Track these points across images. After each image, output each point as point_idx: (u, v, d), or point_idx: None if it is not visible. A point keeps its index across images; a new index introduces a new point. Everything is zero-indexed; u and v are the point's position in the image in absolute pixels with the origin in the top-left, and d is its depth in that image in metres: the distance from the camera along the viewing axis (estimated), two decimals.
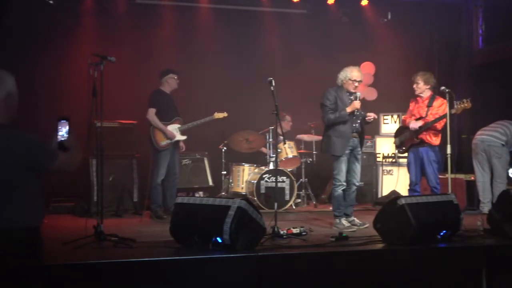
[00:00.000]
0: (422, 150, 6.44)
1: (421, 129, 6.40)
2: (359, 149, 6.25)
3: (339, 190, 6.12)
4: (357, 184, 6.26)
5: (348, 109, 6.04)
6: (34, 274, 2.78)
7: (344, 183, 6.12)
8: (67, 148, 2.89)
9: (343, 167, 6.09)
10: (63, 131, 2.90)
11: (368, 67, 8.83)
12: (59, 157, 2.83)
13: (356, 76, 6.13)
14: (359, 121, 6.20)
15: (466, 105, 6.20)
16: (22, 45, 7.88)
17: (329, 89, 6.25)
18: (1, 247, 2.66)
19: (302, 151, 8.69)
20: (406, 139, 6.64)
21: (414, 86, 6.51)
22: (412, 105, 6.69)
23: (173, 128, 6.99)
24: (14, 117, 2.87)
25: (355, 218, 6.21)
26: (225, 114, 7.41)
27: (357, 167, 6.23)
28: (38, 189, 2.82)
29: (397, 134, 6.89)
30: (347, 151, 6.11)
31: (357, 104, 6.04)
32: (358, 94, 6.15)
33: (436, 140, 6.46)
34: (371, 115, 6.20)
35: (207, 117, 7.30)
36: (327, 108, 6.12)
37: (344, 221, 6.10)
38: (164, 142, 6.92)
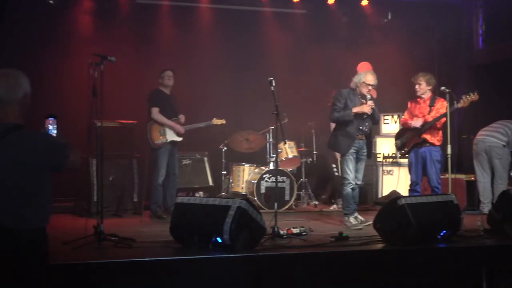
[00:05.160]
0: (425, 150, 6.46)
1: (424, 127, 6.42)
2: (364, 150, 6.40)
3: (348, 189, 6.26)
4: (359, 183, 6.42)
5: (354, 109, 6.19)
6: (42, 274, 2.81)
7: (353, 182, 6.27)
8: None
9: (351, 166, 6.26)
10: (52, 129, 2.93)
11: (366, 67, 8.81)
12: (70, 156, 2.88)
13: (369, 80, 6.28)
14: (367, 123, 6.35)
15: (473, 97, 6.24)
16: (22, 45, 7.88)
17: (341, 90, 6.45)
18: (14, 248, 2.68)
19: (302, 149, 8.69)
20: (408, 140, 6.64)
21: (416, 87, 6.52)
22: (411, 106, 6.70)
23: (170, 129, 6.99)
24: (26, 116, 2.91)
25: (358, 215, 6.32)
26: (223, 121, 7.49)
27: (360, 167, 6.41)
28: (50, 189, 2.85)
29: (398, 136, 6.91)
30: (352, 151, 6.25)
31: (365, 108, 6.20)
32: (369, 96, 6.29)
33: (438, 140, 6.48)
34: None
35: (205, 122, 7.33)
36: (335, 107, 6.31)
37: (352, 219, 6.21)
38: (159, 141, 6.92)
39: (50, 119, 2.95)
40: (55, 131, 2.94)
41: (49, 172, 2.82)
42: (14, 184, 2.71)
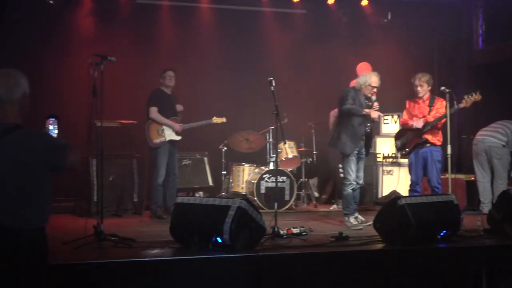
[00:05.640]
0: (426, 150, 6.47)
1: (425, 128, 6.42)
2: (363, 150, 6.44)
3: (349, 190, 6.28)
4: (360, 182, 6.44)
5: (366, 110, 6.20)
6: (42, 274, 2.81)
7: (354, 183, 6.29)
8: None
9: (353, 166, 6.29)
10: (53, 129, 2.93)
11: (365, 68, 8.83)
12: (69, 156, 2.88)
13: (374, 82, 6.31)
14: (369, 124, 6.39)
15: (476, 97, 6.23)
16: (22, 45, 7.88)
17: (348, 88, 6.46)
18: (13, 247, 2.68)
19: (302, 149, 8.69)
20: (409, 140, 6.64)
21: (419, 88, 6.50)
22: (410, 106, 6.70)
23: (169, 128, 6.99)
24: (26, 116, 2.91)
25: (359, 215, 6.34)
26: (223, 120, 7.45)
27: (361, 167, 6.44)
28: (50, 189, 2.85)
29: (398, 137, 6.90)
30: (355, 151, 6.30)
31: (374, 114, 6.20)
32: (374, 98, 6.33)
33: (439, 140, 6.49)
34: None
35: (204, 121, 7.32)
36: (347, 101, 6.24)
37: (352, 219, 6.22)
38: (157, 140, 6.92)
39: (51, 119, 2.95)
40: (55, 131, 2.94)
41: (49, 172, 2.82)
42: (13, 184, 2.71)
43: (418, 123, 6.46)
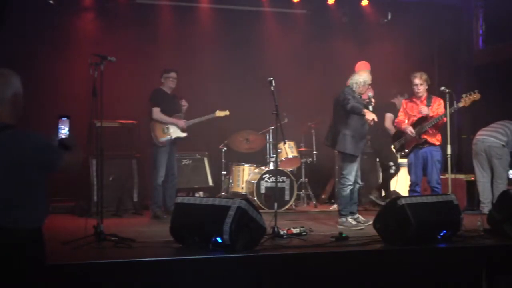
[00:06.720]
0: (425, 150, 6.46)
1: (424, 128, 6.41)
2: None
3: (347, 190, 6.25)
4: (360, 183, 6.46)
5: (365, 110, 6.12)
6: (38, 275, 2.80)
7: (353, 183, 6.27)
8: (68, 146, 2.89)
9: (355, 167, 6.27)
10: (64, 129, 2.90)
11: (364, 67, 8.83)
12: (65, 156, 2.85)
13: (370, 79, 6.35)
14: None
15: (475, 96, 6.22)
16: (22, 45, 7.87)
17: (346, 88, 6.39)
18: (7, 247, 2.68)
19: (302, 149, 8.69)
20: (407, 141, 6.63)
21: (420, 88, 6.48)
22: (407, 106, 6.68)
23: (173, 126, 6.99)
24: (19, 117, 2.89)
25: (359, 216, 6.33)
26: (226, 113, 7.44)
27: (359, 167, 6.41)
28: (45, 189, 2.84)
29: (396, 138, 6.89)
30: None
31: (369, 116, 6.05)
32: (371, 94, 6.32)
33: (438, 140, 6.49)
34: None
35: (208, 115, 7.32)
36: (349, 100, 6.17)
37: (350, 220, 6.21)
38: (164, 139, 6.94)
39: (62, 119, 2.92)
40: (64, 131, 2.90)
41: (41, 172, 2.79)
42: (5, 184, 2.70)
43: (409, 130, 6.44)
